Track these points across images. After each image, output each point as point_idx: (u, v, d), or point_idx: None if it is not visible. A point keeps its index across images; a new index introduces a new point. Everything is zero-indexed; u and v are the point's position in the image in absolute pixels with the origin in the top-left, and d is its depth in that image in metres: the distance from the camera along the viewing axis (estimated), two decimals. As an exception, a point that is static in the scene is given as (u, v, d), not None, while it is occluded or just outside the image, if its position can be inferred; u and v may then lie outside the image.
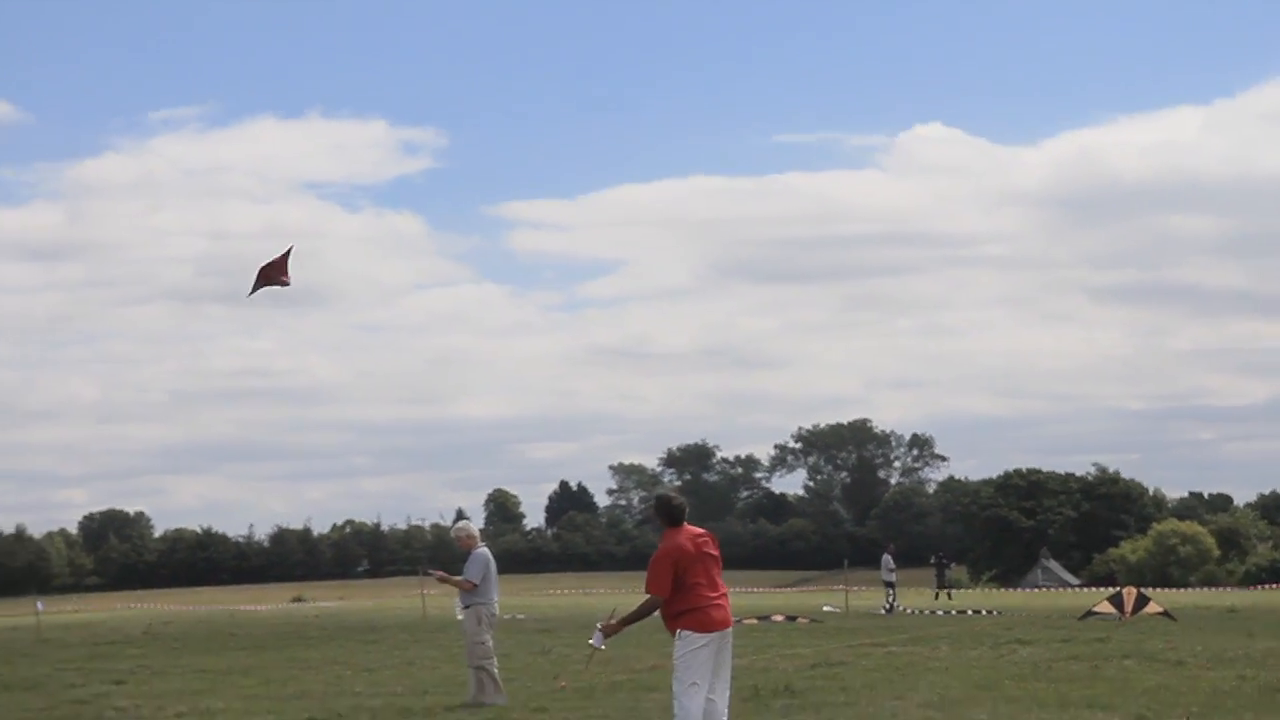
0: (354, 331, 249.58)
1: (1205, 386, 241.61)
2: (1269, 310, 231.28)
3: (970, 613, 44.93)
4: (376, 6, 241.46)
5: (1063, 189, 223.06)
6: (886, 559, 51.60)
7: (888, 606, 47.76)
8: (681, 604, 13.29)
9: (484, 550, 19.88)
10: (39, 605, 57.54)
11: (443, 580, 20.94)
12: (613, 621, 13.76)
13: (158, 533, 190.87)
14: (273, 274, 17.07)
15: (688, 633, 13.24)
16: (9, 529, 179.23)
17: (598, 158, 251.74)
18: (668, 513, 13.67)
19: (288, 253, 17.06)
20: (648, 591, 13.40)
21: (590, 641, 13.95)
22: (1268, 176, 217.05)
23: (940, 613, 46.01)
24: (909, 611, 46.40)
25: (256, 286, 17.46)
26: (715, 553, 13.66)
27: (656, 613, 13.47)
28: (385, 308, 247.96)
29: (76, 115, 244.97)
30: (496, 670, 19.75)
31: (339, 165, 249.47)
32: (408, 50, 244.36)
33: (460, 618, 20.10)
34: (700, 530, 13.71)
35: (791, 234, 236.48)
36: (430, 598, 56.60)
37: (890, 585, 50.40)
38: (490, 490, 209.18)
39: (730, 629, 13.50)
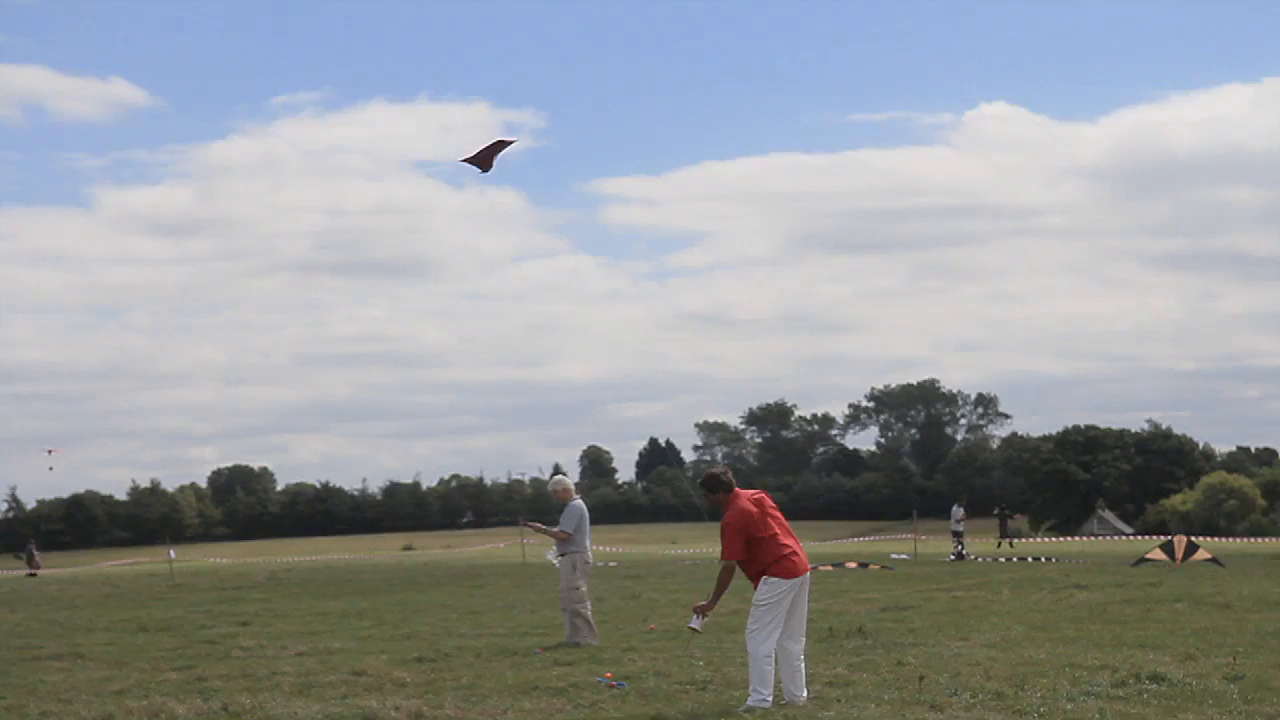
0: (459, 300, 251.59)
1: (1252, 347, 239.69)
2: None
3: (1031, 560, 44.67)
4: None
5: (1120, 163, 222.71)
6: (956, 510, 51.43)
7: (956, 554, 47.59)
8: (764, 557, 13.33)
9: (579, 502, 19.87)
10: (171, 553, 58.32)
11: (537, 530, 20.76)
12: (703, 603, 13.82)
13: (280, 487, 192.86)
14: (483, 156, 16.70)
15: (774, 579, 13.30)
16: (145, 483, 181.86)
17: (684, 137, 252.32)
18: (719, 485, 13.71)
19: (503, 144, 16.72)
20: (723, 559, 13.48)
21: (690, 625, 14.06)
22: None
23: (1003, 560, 45.80)
24: (975, 559, 46.21)
25: (479, 159, 17.01)
26: (773, 505, 13.71)
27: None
28: (488, 278, 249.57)
29: (205, 101, 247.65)
30: (590, 613, 19.79)
31: (445, 145, 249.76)
32: (509, 38, 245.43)
33: (556, 564, 20.16)
34: (754, 490, 13.79)
35: (865, 207, 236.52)
36: (530, 547, 56.80)
37: (959, 535, 50.22)
38: (585, 446, 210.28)
39: (809, 574, 13.58)
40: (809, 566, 13.63)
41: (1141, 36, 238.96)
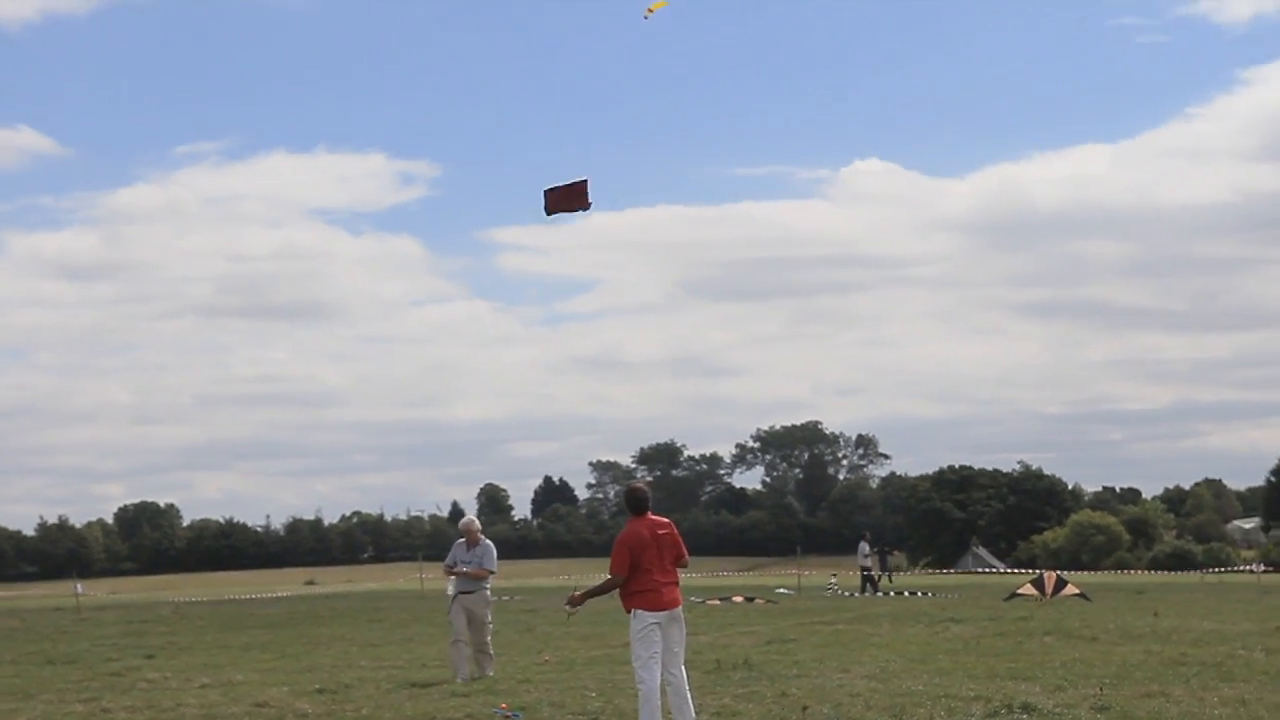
0: (358, 343, 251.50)
1: (1114, 393, 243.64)
2: (1170, 325, 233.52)
3: (908, 594, 44.96)
4: (376, 53, 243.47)
5: (986, 217, 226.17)
6: (863, 546, 50.74)
7: (870, 589, 47.32)
8: (635, 585, 13.54)
9: (490, 542, 19.81)
10: (78, 587, 57.36)
11: (467, 575, 19.51)
12: (577, 594, 14.13)
13: (185, 522, 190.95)
14: (571, 199, 16.25)
15: (640, 611, 13.49)
16: (53, 519, 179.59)
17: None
18: (631, 502, 13.98)
19: (583, 185, 16.26)
20: (609, 573, 13.68)
21: (565, 606, 14.32)
22: (1167, 206, 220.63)
23: (882, 594, 46.03)
24: (852, 595, 46.41)
25: (555, 208, 16.53)
26: (673, 542, 13.78)
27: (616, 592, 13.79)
28: (386, 321, 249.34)
29: (110, 150, 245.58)
30: (491, 646, 19.70)
31: (343, 194, 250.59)
32: (403, 91, 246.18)
33: (452, 592, 19.88)
34: (663, 520, 13.87)
35: (747, 256, 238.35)
36: (429, 581, 56.43)
37: (866, 570, 49.74)
38: (482, 484, 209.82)
39: (679, 609, 13.68)
40: (678, 603, 13.71)
41: (1005, 99, 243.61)
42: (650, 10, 19.60)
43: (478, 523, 20.00)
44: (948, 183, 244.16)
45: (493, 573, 19.55)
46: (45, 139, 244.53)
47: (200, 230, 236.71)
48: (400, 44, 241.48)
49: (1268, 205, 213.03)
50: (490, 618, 19.48)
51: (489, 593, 19.66)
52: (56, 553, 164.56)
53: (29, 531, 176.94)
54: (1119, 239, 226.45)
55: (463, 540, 19.66)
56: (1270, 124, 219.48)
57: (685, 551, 14.04)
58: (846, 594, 46.82)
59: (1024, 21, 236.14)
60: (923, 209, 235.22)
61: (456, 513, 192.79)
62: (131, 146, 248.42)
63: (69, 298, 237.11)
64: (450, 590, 19.81)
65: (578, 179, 15.68)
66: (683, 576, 14.09)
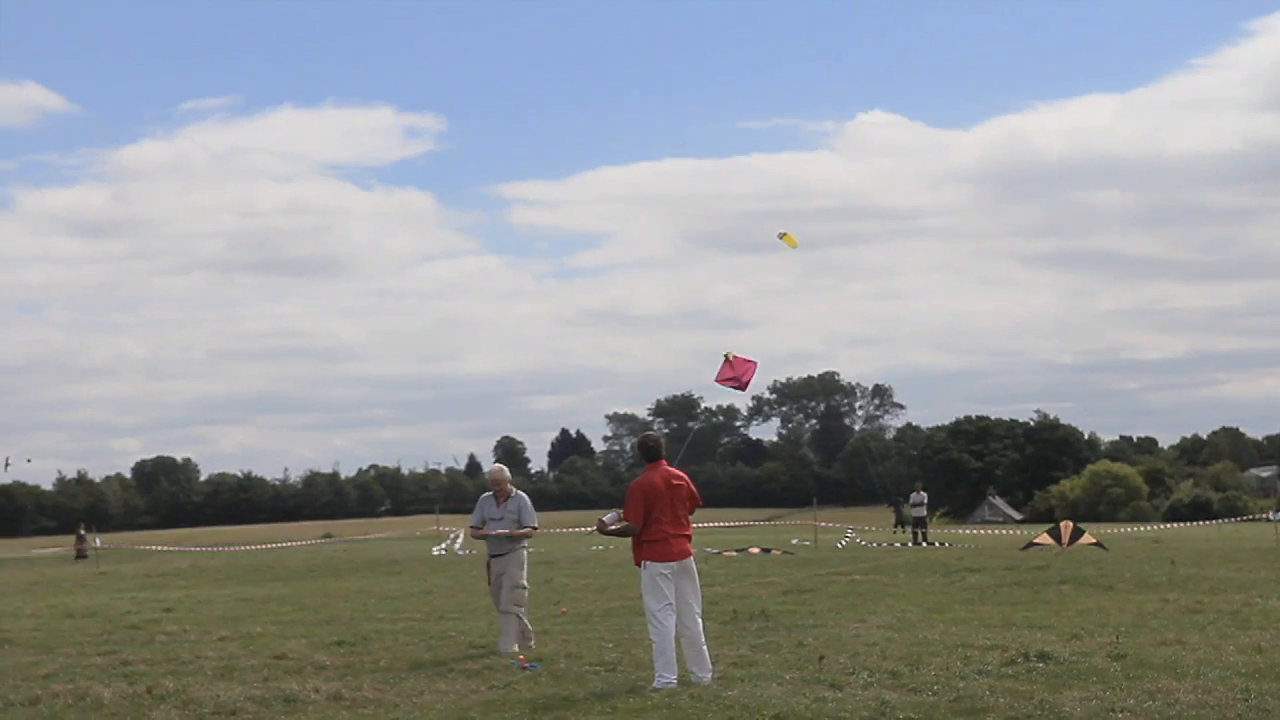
0: (371, 297, 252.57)
1: (1127, 342, 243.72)
2: (1180, 274, 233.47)
3: (925, 545, 44.97)
4: (382, 5, 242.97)
5: (993, 168, 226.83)
6: (916, 496, 49.69)
7: (915, 541, 46.91)
8: (646, 535, 13.65)
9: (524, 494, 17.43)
10: (97, 541, 57.53)
11: (513, 536, 16.97)
12: (606, 520, 14.17)
13: (203, 476, 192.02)
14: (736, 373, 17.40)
15: (649, 562, 13.63)
16: (71, 474, 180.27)
17: (581, 143, 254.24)
18: (644, 450, 14.12)
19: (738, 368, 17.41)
20: (623, 519, 13.84)
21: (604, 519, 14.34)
22: (1174, 156, 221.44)
23: (898, 545, 46.04)
24: (870, 545, 46.39)
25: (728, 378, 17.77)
26: (687, 494, 13.85)
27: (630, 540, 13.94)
28: (398, 276, 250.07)
29: (117, 106, 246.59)
30: (526, 616, 17.34)
31: (351, 148, 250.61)
32: (410, 45, 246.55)
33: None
34: (678, 472, 13.94)
35: (755, 209, 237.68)
36: (445, 534, 56.51)
37: (920, 520, 49.07)
38: (499, 437, 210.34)
39: (690, 560, 13.76)
40: (689, 554, 13.82)
41: (1010, 50, 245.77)
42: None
43: (508, 472, 17.61)
44: (954, 134, 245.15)
45: (535, 529, 17.36)
46: (53, 95, 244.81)
47: (209, 186, 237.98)
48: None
49: (1273, 154, 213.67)
50: (525, 580, 17.11)
51: (525, 553, 17.31)
52: (75, 507, 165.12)
53: (47, 486, 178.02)
54: (1126, 189, 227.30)
55: (489, 494, 17.36)
56: (1274, 74, 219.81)
57: (699, 499, 14.14)
58: (872, 545, 46.81)
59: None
60: (930, 160, 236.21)
61: (473, 465, 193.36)
62: (137, 103, 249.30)
63: (80, 254, 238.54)
64: (487, 555, 17.46)
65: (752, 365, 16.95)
66: (699, 526, 14.18)
